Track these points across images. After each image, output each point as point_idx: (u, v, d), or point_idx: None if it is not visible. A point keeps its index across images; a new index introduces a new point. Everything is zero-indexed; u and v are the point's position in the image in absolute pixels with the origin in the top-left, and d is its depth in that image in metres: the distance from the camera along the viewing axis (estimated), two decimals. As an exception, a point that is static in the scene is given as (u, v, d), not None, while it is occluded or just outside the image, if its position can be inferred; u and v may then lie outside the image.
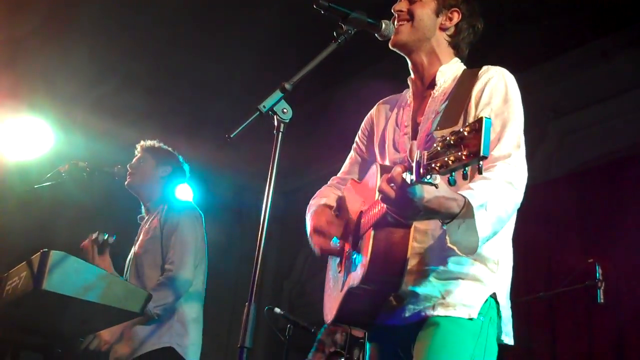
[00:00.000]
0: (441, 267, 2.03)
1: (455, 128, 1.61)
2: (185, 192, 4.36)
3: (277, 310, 4.55)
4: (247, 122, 1.93)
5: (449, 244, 1.87)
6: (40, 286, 2.78)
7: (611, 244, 4.51)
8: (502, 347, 2.09)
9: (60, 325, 3.18)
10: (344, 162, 2.67)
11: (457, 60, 2.29)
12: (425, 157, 1.60)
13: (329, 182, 2.59)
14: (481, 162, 1.53)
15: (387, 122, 2.36)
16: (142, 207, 3.93)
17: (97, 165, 3.86)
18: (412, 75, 2.35)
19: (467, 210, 1.79)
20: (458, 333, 1.99)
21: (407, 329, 2.06)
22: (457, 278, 2.03)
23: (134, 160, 3.93)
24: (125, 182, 3.85)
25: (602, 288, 3.81)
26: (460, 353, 1.97)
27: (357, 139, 2.52)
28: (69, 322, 3.13)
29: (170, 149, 4.02)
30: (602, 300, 3.82)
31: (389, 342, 2.18)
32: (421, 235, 2.05)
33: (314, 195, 2.52)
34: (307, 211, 2.43)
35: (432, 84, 2.25)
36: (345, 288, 2.08)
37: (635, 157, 4.84)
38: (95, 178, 3.85)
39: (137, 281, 3.58)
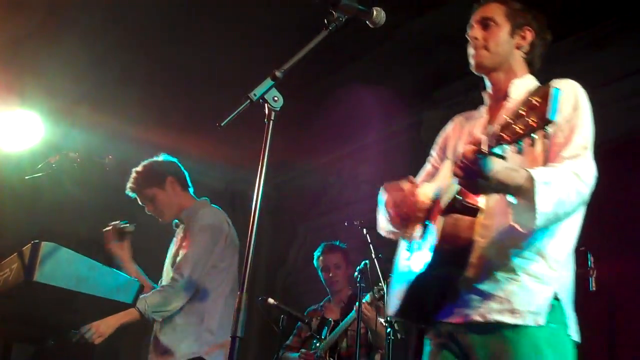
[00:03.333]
0: (504, 262, 2.08)
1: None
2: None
3: (270, 300, 4.55)
4: (238, 110, 1.91)
5: (511, 222, 2.00)
6: (32, 278, 2.77)
7: (602, 233, 4.53)
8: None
9: (52, 317, 3.17)
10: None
11: (531, 77, 2.40)
12: (498, 129, 1.75)
13: None
14: (548, 127, 1.66)
15: (460, 135, 2.48)
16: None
17: (87, 155, 3.83)
18: (488, 90, 2.44)
19: (530, 185, 1.90)
20: (531, 345, 2.02)
21: (471, 329, 2.11)
22: (519, 275, 2.07)
23: (144, 203, 3.82)
24: (160, 221, 3.83)
25: (594, 276, 3.83)
26: None
27: (432, 151, 2.62)
28: (60, 313, 3.12)
29: (155, 159, 3.90)
30: (593, 288, 3.84)
31: (449, 340, 2.20)
32: (485, 230, 2.09)
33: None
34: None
35: (506, 96, 2.34)
36: (413, 277, 2.17)
37: (628, 145, 4.85)
38: (86, 169, 3.83)
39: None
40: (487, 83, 2.43)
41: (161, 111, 6.40)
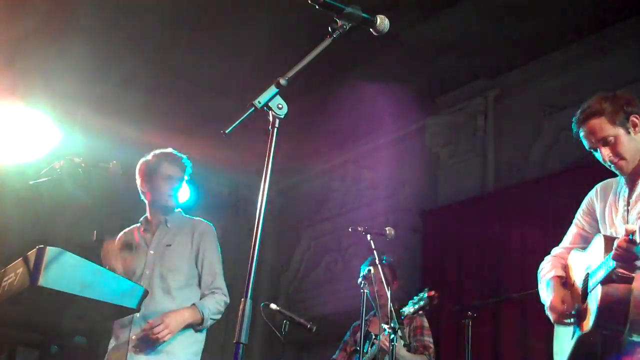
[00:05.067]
0: None
1: None
2: (184, 190, 4.32)
3: (274, 306, 4.55)
4: (242, 117, 1.92)
5: None
6: (37, 282, 2.78)
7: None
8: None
9: (57, 322, 3.18)
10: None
11: None
12: None
13: (552, 253, 3.04)
14: None
15: (606, 203, 2.82)
16: (150, 211, 3.85)
17: (92, 161, 3.84)
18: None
19: None
20: None
21: None
22: None
23: (177, 181, 3.80)
24: (170, 204, 3.78)
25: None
26: None
27: (579, 215, 2.97)
28: (65, 318, 3.13)
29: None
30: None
31: None
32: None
33: (545, 263, 3.01)
34: (540, 276, 2.98)
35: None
36: (577, 335, 2.58)
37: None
38: (91, 174, 3.83)
39: (168, 297, 3.59)
40: None
41: (165, 116, 6.43)
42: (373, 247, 4.31)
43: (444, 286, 5.49)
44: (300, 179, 8.02)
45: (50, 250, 2.85)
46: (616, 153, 2.66)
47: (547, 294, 2.82)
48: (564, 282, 2.83)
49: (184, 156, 3.87)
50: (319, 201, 7.85)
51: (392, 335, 3.96)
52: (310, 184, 8.03)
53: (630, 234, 2.22)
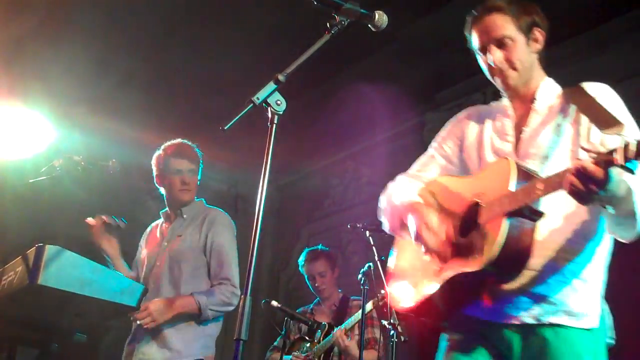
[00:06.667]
0: (559, 267, 2.09)
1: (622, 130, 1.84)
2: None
3: (274, 303, 4.55)
4: (241, 114, 1.92)
5: (609, 231, 2.07)
6: (36, 281, 2.78)
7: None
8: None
9: (57, 320, 3.18)
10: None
11: (550, 80, 2.39)
12: (635, 144, 1.70)
13: (397, 179, 2.55)
14: None
15: (481, 130, 2.41)
16: (168, 204, 3.84)
17: (91, 159, 3.84)
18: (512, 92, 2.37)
19: (629, 196, 1.91)
20: (573, 353, 2.05)
21: (514, 330, 2.11)
22: (570, 278, 2.09)
23: (189, 173, 3.76)
24: (185, 199, 3.75)
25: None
26: None
27: (440, 140, 2.53)
28: (64, 316, 3.13)
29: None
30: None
31: (480, 338, 2.19)
32: (543, 233, 2.08)
33: (395, 187, 2.49)
34: (392, 200, 2.43)
35: (532, 99, 2.31)
36: (448, 273, 2.12)
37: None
38: (90, 172, 3.83)
39: (174, 289, 3.54)
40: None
41: (164, 114, 6.42)
42: (372, 243, 4.32)
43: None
44: (299, 175, 8.02)
45: (50, 249, 2.85)
46: (509, 59, 2.25)
47: (411, 221, 2.25)
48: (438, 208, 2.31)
49: (194, 145, 3.85)
50: (318, 198, 7.85)
51: (392, 331, 3.98)
52: (309, 181, 8.02)
53: (603, 154, 1.77)
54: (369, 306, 4.29)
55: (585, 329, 2.07)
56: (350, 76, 6.18)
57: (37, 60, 5.66)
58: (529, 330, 2.09)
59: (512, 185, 1.99)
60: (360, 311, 4.29)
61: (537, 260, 2.06)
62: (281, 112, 1.98)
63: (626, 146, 1.70)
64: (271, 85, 1.97)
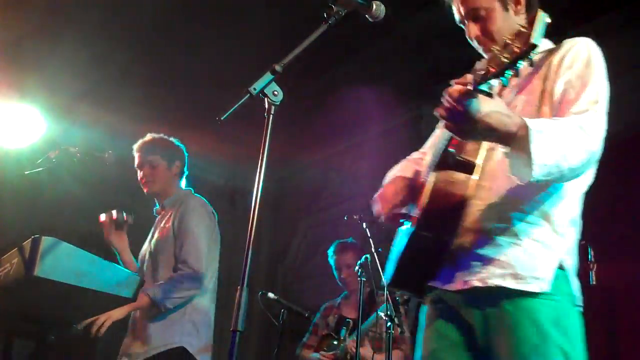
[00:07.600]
0: (506, 226, 1.95)
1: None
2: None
3: (271, 295, 4.56)
4: (237, 104, 1.91)
5: (509, 175, 1.86)
6: (32, 272, 2.78)
7: (603, 227, 4.53)
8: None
9: (53, 312, 3.18)
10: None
11: (544, 40, 2.19)
12: (484, 63, 1.66)
13: (407, 157, 2.50)
14: (532, 54, 1.57)
15: None
16: (157, 202, 3.88)
17: (87, 151, 3.84)
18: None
19: (524, 133, 1.74)
20: (533, 324, 1.89)
21: (470, 297, 1.98)
22: (522, 239, 1.94)
23: (142, 165, 3.76)
24: (145, 191, 3.78)
25: (594, 270, 3.82)
26: (548, 345, 1.88)
27: None
28: (61, 308, 3.13)
29: (168, 138, 3.90)
30: (594, 282, 3.83)
31: (449, 307, 2.06)
32: (484, 191, 1.97)
33: (393, 169, 2.46)
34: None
35: None
36: (405, 243, 2.03)
37: (633, 140, 4.84)
38: (86, 164, 3.83)
39: (151, 280, 3.53)
40: None
41: (161, 107, 6.40)
42: (369, 235, 4.31)
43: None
44: (296, 169, 8.01)
45: (46, 240, 2.85)
46: (485, 31, 2.13)
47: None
48: (412, 185, 2.21)
49: (156, 136, 3.83)
50: (315, 191, 7.85)
51: (389, 323, 3.97)
52: (307, 174, 8.01)
53: (464, 82, 1.71)
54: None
55: (543, 300, 1.90)
56: (347, 69, 6.16)
57: (35, 54, 5.64)
58: (485, 301, 1.95)
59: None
60: (374, 313, 4.27)
61: (481, 219, 1.95)
62: (278, 103, 1.97)
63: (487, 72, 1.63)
64: (268, 76, 1.96)
